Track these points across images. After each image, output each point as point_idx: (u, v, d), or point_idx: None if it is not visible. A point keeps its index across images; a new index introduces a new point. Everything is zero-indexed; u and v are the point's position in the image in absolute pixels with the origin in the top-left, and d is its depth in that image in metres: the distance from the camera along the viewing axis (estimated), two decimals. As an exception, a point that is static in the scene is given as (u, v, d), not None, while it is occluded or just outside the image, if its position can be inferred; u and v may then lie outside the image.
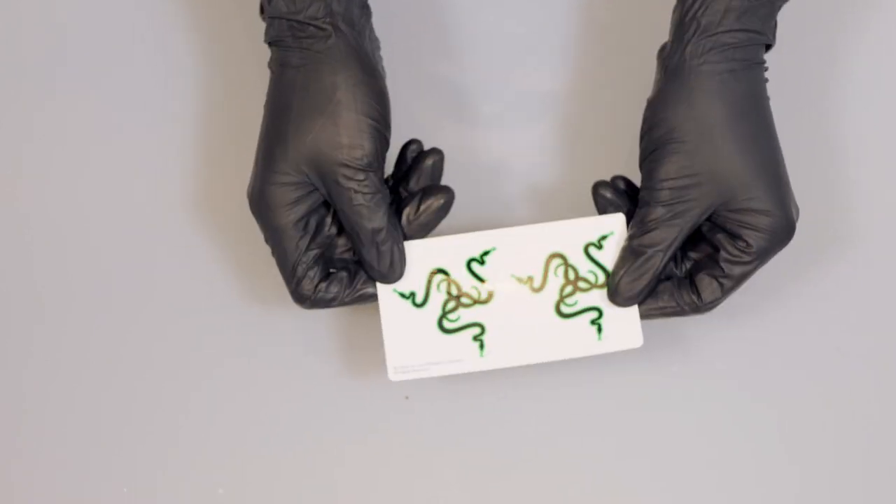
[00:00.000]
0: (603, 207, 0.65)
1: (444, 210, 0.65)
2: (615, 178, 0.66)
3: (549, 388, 0.71)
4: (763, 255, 0.63)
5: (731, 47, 0.62)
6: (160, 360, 0.72)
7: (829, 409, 0.70)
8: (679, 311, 0.64)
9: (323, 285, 0.64)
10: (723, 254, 0.63)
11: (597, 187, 0.65)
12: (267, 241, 0.64)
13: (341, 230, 0.66)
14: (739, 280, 0.63)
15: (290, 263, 0.64)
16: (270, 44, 0.65)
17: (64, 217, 0.73)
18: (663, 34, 0.66)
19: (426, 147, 0.67)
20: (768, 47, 0.64)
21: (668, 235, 0.63)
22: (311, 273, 0.64)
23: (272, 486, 0.70)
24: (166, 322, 0.72)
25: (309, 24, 0.63)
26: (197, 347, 0.72)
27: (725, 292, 0.64)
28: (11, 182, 0.74)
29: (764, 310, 0.71)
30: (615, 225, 0.65)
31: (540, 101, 0.73)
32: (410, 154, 0.67)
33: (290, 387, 0.71)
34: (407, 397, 0.71)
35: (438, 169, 0.66)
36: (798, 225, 0.64)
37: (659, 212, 0.63)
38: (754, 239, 0.63)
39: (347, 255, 0.66)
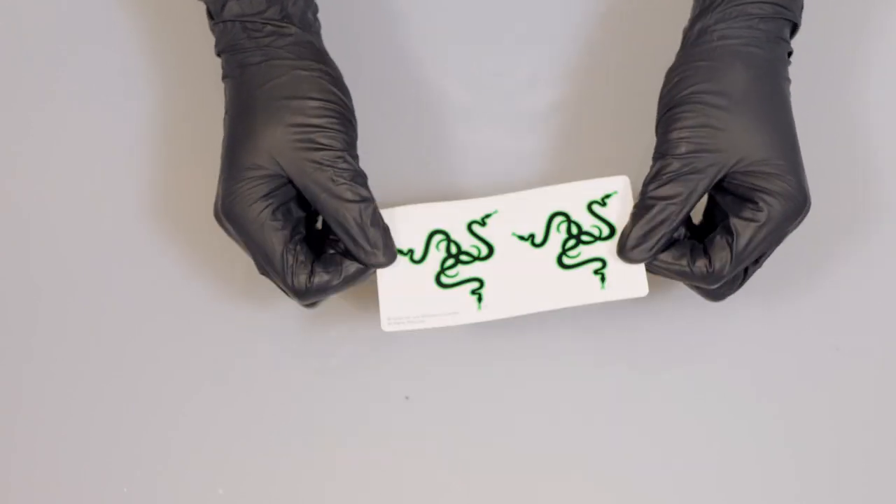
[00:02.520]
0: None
1: None
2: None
3: (549, 388, 0.71)
4: (774, 222, 0.62)
5: (757, 18, 0.63)
6: (160, 360, 0.72)
7: (827, 408, 0.70)
8: (687, 275, 0.63)
9: (319, 270, 0.63)
10: (732, 218, 0.62)
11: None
12: (246, 245, 0.63)
13: (315, 232, 0.65)
14: (749, 246, 0.62)
15: (279, 255, 0.62)
16: (223, 52, 0.65)
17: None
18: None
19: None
20: (794, 30, 0.65)
21: (683, 189, 0.62)
22: (301, 258, 0.63)
23: (272, 486, 0.70)
24: (166, 323, 0.72)
25: (266, 24, 0.64)
26: (196, 348, 0.72)
27: (735, 259, 0.62)
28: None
29: (764, 306, 0.71)
30: (619, 185, 0.64)
31: (538, 103, 0.73)
32: None
33: (289, 387, 0.71)
34: (407, 397, 0.71)
35: None
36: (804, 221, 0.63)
37: (675, 165, 0.62)
38: (765, 201, 0.62)
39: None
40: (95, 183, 0.74)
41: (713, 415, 0.70)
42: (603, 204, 0.64)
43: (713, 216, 0.65)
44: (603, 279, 0.64)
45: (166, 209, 0.73)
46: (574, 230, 0.64)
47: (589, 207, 0.64)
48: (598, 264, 0.64)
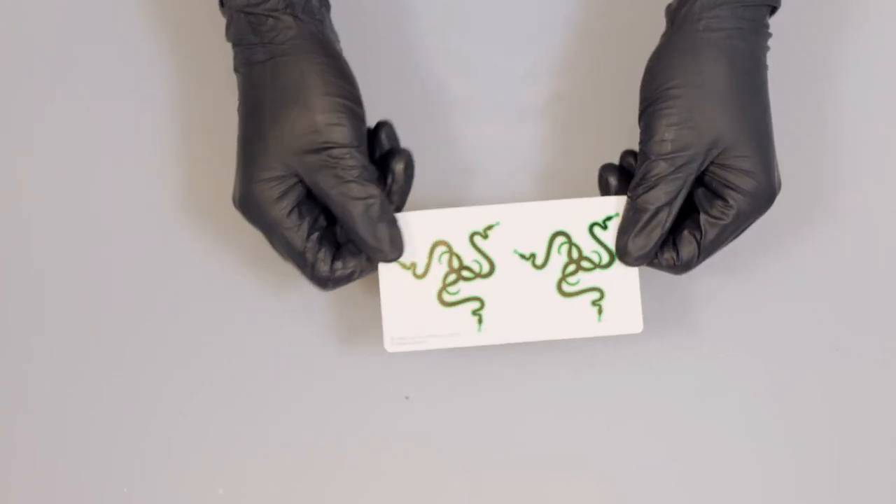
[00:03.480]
0: (606, 193, 0.66)
1: (410, 171, 0.65)
2: (625, 154, 0.66)
3: (549, 387, 0.71)
4: (741, 219, 0.63)
5: (742, 5, 0.63)
6: (159, 360, 0.72)
7: (827, 408, 0.70)
8: (655, 265, 0.64)
9: (338, 263, 0.64)
10: (702, 214, 0.63)
11: (603, 172, 0.66)
12: (267, 238, 0.64)
13: (330, 222, 0.65)
14: (716, 241, 0.63)
15: (298, 252, 0.63)
16: (232, 45, 0.65)
17: (55, 223, 0.73)
18: (662, 26, 0.66)
19: (397, 128, 0.66)
20: (773, 11, 0.64)
21: (672, 189, 0.63)
22: (321, 255, 0.63)
23: (272, 487, 0.70)
24: (163, 324, 0.72)
25: (268, 17, 0.63)
26: (195, 349, 0.72)
27: (702, 253, 0.63)
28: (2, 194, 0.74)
29: (764, 306, 0.71)
30: (621, 206, 0.64)
31: (540, 86, 0.73)
32: (382, 137, 0.66)
33: (289, 387, 0.71)
34: (407, 397, 0.71)
35: (409, 175, 0.65)
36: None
37: (661, 166, 0.62)
38: (735, 200, 0.62)
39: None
40: (112, 172, 0.73)
41: (713, 415, 0.70)
42: (604, 227, 0.65)
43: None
44: (600, 311, 0.65)
45: (179, 198, 0.73)
46: (575, 254, 0.65)
47: (591, 230, 0.65)
48: (596, 294, 0.65)
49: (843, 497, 0.70)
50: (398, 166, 0.64)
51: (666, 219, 0.63)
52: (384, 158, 0.65)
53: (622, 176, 0.65)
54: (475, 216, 0.65)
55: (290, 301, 0.71)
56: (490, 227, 0.65)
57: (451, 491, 0.70)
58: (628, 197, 0.64)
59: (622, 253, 0.64)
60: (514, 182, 0.72)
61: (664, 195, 0.62)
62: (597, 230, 0.65)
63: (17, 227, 0.73)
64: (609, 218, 0.64)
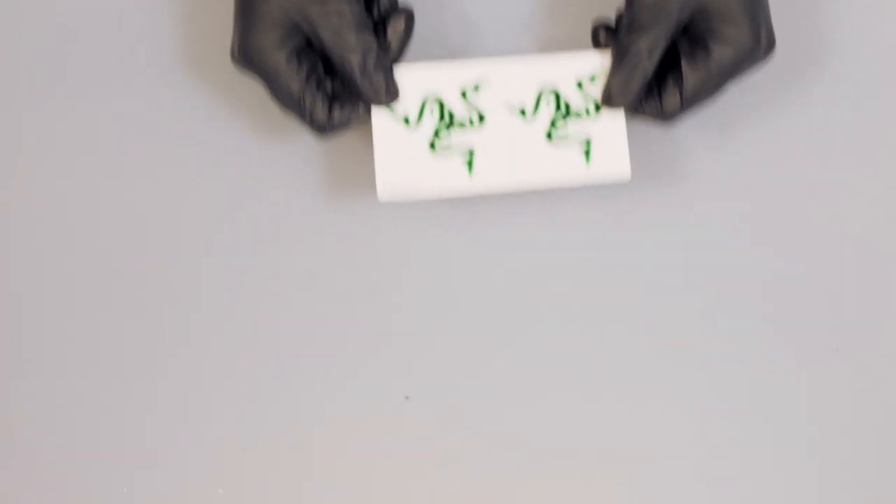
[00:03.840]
0: (598, 47, 0.68)
1: (409, 30, 0.67)
2: (620, 15, 0.67)
3: (548, 387, 0.71)
4: (722, 69, 0.65)
5: None
6: (158, 360, 0.72)
7: (827, 409, 0.71)
8: (640, 114, 0.67)
9: (336, 109, 0.66)
10: (684, 62, 0.65)
11: (596, 27, 0.67)
12: (265, 85, 0.66)
13: (328, 73, 0.67)
14: (698, 91, 0.65)
15: (296, 96, 0.65)
16: None
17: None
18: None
19: None
20: None
21: (653, 36, 0.64)
22: (318, 101, 0.66)
23: (272, 487, 0.70)
24: (161, 327, 0.72)
25: None
26: (191, 348, 0.72)
27: (685, 102, 0.65)
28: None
29: (764, 305, 0.71)
30: (607, 61, 0.67)
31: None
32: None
33: (289, 386, 0.71)
34: (407, 397, 0.71)
35: (409, 32, 0.67)
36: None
37: (644, 15, 0.64)
38: (716, 48, 0.64)
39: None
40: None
41: (713, 416, 0.70)
42: (591, 80, 0.67)
43: (671, 52, 0.67)
44: (588, 157, 0.66)
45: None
46: (563, 106, 0.67)
47: (579, 84, 0.67)
48: (584, 142, 0.67)
49: (844, 498, 0.70)
50: (398, 24, 0.67)
51: (648, 64, 0.65)
52: (385, 17, 0.67)
53: (613, 33, 0.67)
54: (466, 70, 0.67)
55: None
56: (480, 81, 0.67)
57: (450, 491, 0.70)
58: (613, 44, 0.66)
59: (606, 96, 0.66)
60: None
61: (645, 41, 0.65)
62: (585, 83, 0.67)
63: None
64: (597, 71, 0.67)
